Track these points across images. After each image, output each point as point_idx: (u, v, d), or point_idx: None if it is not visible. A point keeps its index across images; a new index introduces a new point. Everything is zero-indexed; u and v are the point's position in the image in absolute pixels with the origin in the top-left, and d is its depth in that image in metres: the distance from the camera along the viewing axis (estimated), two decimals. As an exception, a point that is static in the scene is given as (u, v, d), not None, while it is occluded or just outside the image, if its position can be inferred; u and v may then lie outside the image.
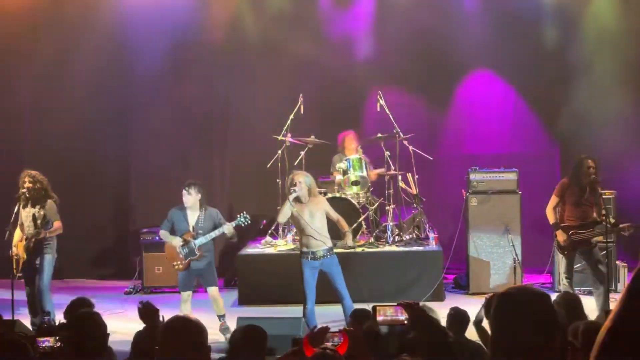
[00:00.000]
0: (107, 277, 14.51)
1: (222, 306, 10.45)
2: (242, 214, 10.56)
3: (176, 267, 10.40)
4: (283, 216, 10.20)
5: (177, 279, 10.76)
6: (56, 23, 14.48)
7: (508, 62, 14.08)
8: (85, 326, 4.32)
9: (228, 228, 10.36)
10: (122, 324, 9.94)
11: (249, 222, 10.61)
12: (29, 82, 14.58)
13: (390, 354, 5.76)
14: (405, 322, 4.77)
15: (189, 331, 3.82)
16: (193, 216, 10.43)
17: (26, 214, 10.58)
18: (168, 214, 10.59)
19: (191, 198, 10.36)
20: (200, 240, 10.32)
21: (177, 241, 10.38)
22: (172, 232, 10.50)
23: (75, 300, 7.89)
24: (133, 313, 11.41)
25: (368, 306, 9.10)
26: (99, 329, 4.51)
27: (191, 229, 10.38)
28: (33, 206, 10.57)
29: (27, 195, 10.52)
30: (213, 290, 10.48)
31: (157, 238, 13.00)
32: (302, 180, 9.94)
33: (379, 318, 4.88)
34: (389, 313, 4.87)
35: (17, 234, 10.62)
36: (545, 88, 14.10)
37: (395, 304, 4.87)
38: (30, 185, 10.53)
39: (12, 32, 14.43)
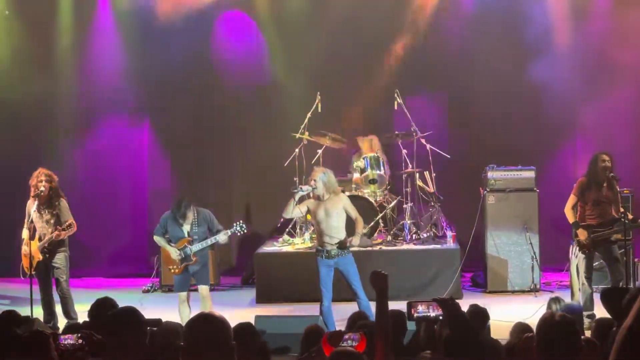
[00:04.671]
0: (125, 276, 14.53)
1: (209, 307, 10.11)
2: (238, 222, 10.36)
3: (172, 270, 10.29)
4: (286, 212, 10.17)
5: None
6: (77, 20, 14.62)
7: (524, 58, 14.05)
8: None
9: (223, 238, 10.25)
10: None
11: (245, 231, 10.45)
12: (47, 83, 14.66)
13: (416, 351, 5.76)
14: (440, 318, 4.78)
15: (214, 328, 3.82)
16: (187, 224, 10.25)
17: (39, 216, 10.59)
18: (161, 219, 10.41)
19: (187, 215, 10.20)
20: (196, 247, 10.15)
21: (173, 251, 10.21)
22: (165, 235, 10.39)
23: (99, 301, 7.95)
24: (151, 312, 11.52)
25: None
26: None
27: (186, 235, 10.27)
28: (48, 206, 10.59)
29: (43, 194, 10.52)
30: (204, 289, 10.31)
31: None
32: (318, 178, 9.92)
33: (414, 314, 4.89)
34: (423, 309, 4.88)
35: (26, 232, 10.63)
36: (563, 86, 14.07)
37: (431, 300, 4.88)
38: (47, 184, 10.53)
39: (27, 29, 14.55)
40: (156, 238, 10.50)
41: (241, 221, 10.46)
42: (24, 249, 10.60)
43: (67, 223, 10.48)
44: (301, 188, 10.00)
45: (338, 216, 9.95)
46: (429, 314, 4.83)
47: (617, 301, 4.99)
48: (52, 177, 10.59)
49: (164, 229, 10.34)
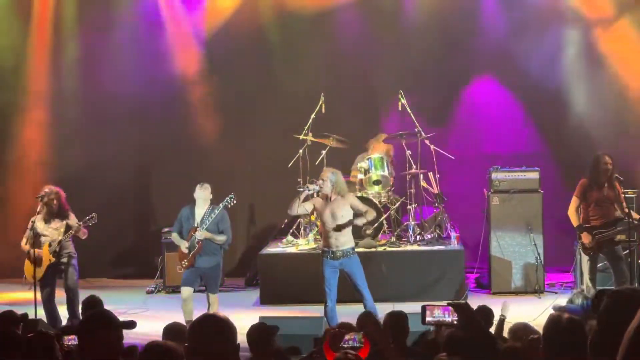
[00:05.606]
0: (129, 277, 14.54)
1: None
2: (228, 197, 10.46)
3: (183, 265, 10.38)
4: (291, 210, 10.18)
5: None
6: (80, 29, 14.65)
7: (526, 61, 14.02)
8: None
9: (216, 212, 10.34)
10: (144, 323, 9.94)
11: (235, 201, 10.51)
12: (51, 86, 14.69)
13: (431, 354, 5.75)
14: (455, 322, 4.75)
15: (218, 329, 3.82)
16: (200, 213, 10.39)
17: (46, 226, 10.70)
18: (178, 215, 10.59)
19: (204, 193, 10.36)
20: (199, 233, 10.23)
21: (183, 244, 10.35)
22: (182, 231, 10.49)
23: (85, 301, 7.99)
24: (155, 312, 11.54)
25: (390, 306, 9.12)
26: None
27: (196, 225, 10.35)
28: (56, 216, 10.72)
29: (52, 210, 10.66)
30: (213, 297, 10.41)
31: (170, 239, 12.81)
32: (327, 177, 9.92)
33: (428, 318, 4.86)
34: (437, 313, 4.85)
35: (25, 243, 10.68)
36: (564, 86, 14.07)
37: (445, 304, 4.85)
38: (56, 202, 10.69)
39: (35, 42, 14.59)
40: (173, 236, 10.64)
41: (232, 194, 10.50)
42: (29, 260, 10.64)
43: (87, 217, 10.63)
44: (307, 187, 9.99)
45: (344, 218, 9.94)
46: (444, 319, 4.79)
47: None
48: (60, 194, 10.79)
49: (180, 223, 10.49)
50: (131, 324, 4.48)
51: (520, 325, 6.51)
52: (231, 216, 10.63)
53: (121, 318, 4.34)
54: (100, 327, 4.17)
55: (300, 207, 10.13)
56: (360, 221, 10.40)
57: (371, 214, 10.30)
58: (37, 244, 10.62)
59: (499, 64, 14.01)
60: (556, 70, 14.09)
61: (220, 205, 10.37)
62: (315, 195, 10.26)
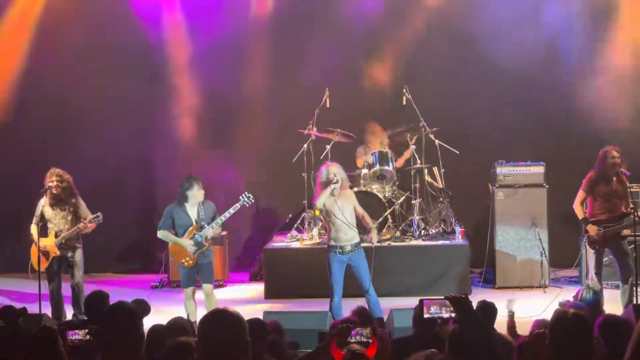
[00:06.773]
0: (134, 272, 14.54)
1: (215, 303, 10.12)
2: (244, 195, 10.45)
3: (185, 263, 10.27)
4: (320, 202, 9.96)
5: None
6: (81, 19, 14.60)
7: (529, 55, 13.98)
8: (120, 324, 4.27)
9: (232, 212, 10.32)
10: (149, 318, 9.91)
11: (252, 200, 10.52)
12: (56, 81, 14.67)
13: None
14: (452, 317, 4.69)
15: (229, 324, 3.79)
16: (193, 210, 10.29)
17: (54, 213, 10.64)
18: (165, 212, 10.38)
19: (202, 194, 10.29)
20: (207, 231, 10.18)
21: (187, 243, 10.19)
22: (173, 228, 10.35)
23: (92, 295, 7.99)
24: (160, 307, 11.53)
25: (393, 300, 9.12)
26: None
27: (194, 222, 10.28)
28: (63, 203, 10.64)
29: (56, 193, 10.58)
30: (209, 287, 10.30)
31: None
32: (338, 172, 9.93)
33: (426, 314, 4.80)
34: (434, 310, 4.80)
35: (35, 229, 10.65)
36: (569, 80, 14.03)
37: (443, 297, 4.79)
38: (59, 184, 10.59)
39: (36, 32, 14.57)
40: (162, 234, 10.37)
41: (246, 192, 10.49)
42: (35, 246, 10.61)
43: (93, 215, 10.57)
44: (337, 180, 9.93)
45: (351, 211, 9.98)
46: (441, 315, 4.74)
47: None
48: (64, 176, 10.67)
49: (171, 219, 10.31)
50: (144, 307, 4.48)
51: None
52: (236, 211, 10.57)
53: None
54: (126, 318, 4.18)
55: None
56: (374, 237, 10.39)
57: (368, 218, 10.33)
58: (42, 232, 10.61)
59: (502, 58, 13.94)
60: (562, 63, 14.05)
61: (238, 204, 10.34)
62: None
